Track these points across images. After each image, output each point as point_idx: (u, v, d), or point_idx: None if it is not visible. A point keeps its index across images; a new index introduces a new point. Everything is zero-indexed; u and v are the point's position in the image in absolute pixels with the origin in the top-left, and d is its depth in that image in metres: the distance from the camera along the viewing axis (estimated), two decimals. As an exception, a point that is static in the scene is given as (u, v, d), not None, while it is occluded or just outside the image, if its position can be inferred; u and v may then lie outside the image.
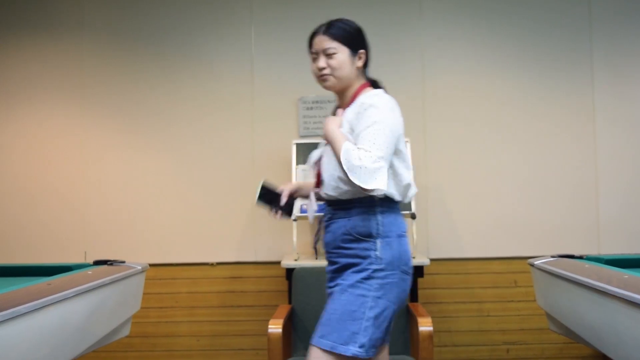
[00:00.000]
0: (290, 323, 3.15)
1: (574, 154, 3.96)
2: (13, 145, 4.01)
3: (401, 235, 2.02)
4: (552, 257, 2.88)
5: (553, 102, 3.97)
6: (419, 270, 3.45)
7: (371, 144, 1.86)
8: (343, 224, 2.02)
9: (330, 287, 2.05)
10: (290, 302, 3.31)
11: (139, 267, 2.89)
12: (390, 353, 2.24)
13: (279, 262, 3.59)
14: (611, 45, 3.98)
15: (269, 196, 2.12)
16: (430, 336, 2.72)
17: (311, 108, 3.94)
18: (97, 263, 2.84)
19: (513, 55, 4.00)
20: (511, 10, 3.99)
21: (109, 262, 2.84)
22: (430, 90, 3.98)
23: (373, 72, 2.10)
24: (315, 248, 3.47)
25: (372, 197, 1.97)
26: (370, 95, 2.01)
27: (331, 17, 4.22)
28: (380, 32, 3.97)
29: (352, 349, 1.85)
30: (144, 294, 3.13)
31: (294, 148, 3.70)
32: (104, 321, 2.46)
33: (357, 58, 2.10)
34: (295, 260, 3.43)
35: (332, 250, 2.06)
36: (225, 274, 3.94)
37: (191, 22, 4.02)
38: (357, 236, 1.98)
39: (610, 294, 1.97)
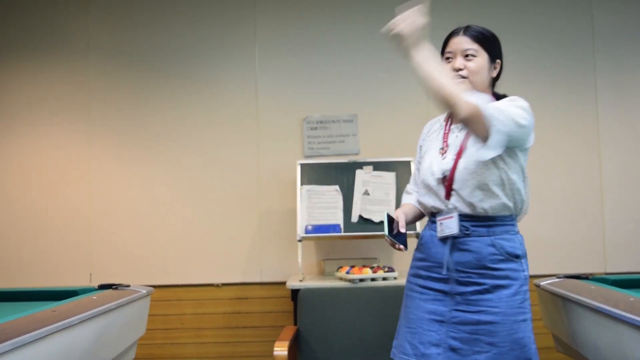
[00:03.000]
0: (295, 345, 3.14)
1: (579, 171, 3.96)
2: (17, 168, 4.04)
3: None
4: (558, 277, 2.86)
5: (557, 120, 3.97)
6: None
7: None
8: (488, 242, 1.91)
9: (471, 312, 1.89)
10: (295, 323, 3.30)
11: (144, 291, 2.89)
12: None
13: (284, 283, 3.59)
14: (615, 63, 3.99)
15: (391, 227, 1.97)
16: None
17: (315, 128, 3.96)
18: (102, 287, 2.85)
19: (516, 73, 4.00)
20: (514, 31, 4.01)
21: (113, 287, 2.84)
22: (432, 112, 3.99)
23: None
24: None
25: (511, 214, 1.92)
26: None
27: (337, 38, 4.18)
28: (391, 51, 3.98)
29: None
30: (149, 315, 3.13)
31: (299, 168, 3.71)
32: (110, 347, 2.46)
33: (493, 67, 1.97)
34: (301, 281, 3.42)
35: (473, 270, 1.91)
36: (231, 295, 3.94)
37: (195, 43, 4.05)
38: (507, 256, 1.91)
39: (617, 317, 1.96)
